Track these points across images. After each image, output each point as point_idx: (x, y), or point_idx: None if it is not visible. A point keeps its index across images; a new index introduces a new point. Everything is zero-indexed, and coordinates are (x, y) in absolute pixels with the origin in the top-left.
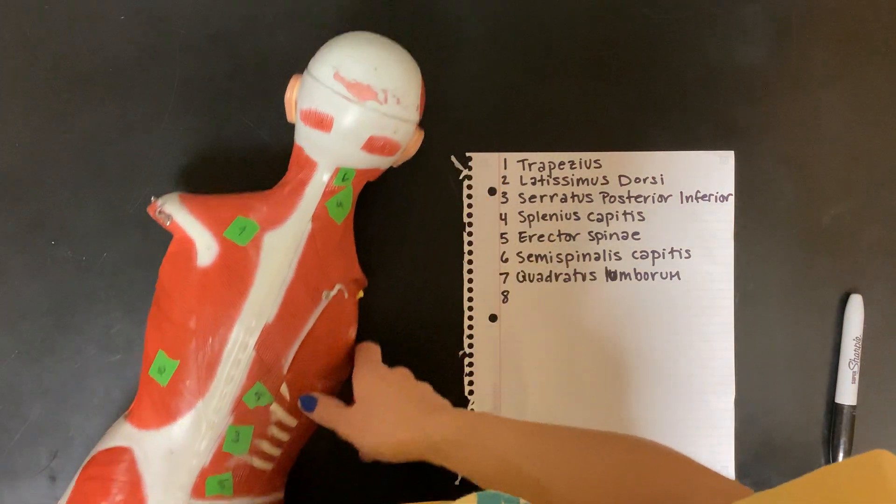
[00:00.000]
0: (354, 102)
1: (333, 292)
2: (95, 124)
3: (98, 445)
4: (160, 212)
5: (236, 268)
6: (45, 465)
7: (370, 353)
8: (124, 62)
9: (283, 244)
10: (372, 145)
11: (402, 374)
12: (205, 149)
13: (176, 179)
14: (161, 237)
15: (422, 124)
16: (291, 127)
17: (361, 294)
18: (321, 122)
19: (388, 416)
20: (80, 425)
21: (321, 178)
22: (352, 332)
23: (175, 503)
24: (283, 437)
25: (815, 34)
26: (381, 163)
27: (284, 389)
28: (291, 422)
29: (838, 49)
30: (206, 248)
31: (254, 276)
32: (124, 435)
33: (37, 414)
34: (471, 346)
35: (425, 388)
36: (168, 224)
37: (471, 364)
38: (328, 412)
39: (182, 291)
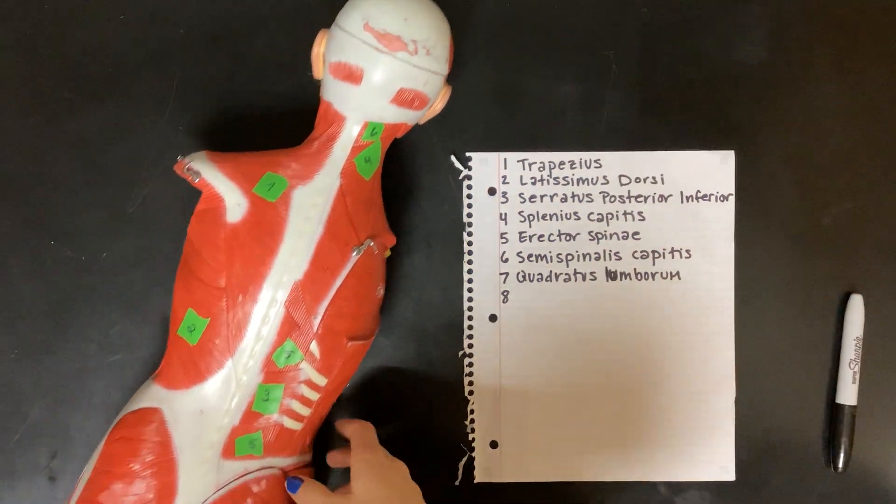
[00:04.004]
0: (385, 53)
1: (363, 248)
2: (95, 124)
3: (125, 408)
4: (188, 168)
5: (266, 224)
6: (45, 465)
7: (367, 437)
8: (124, 62)
9: (312, 200)
10: (402, 98)
11: (401, 473)
12: (204, 149)
13: (176, 179)
14: (162, 237)
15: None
16: (290, 126)
17: (388, 253)
18: (351, 75)
19: None
20: (80, 425)
21: (350, 133)
22: (380, 291)
23: (205, 463)
24: (313, 396)
25: (815, 34)
26: (410, 117)
27: (314, 347)
28: (321, 380)
29: (838, 49)
30: (235, 204)
31: (283, 232)
32: (152, 396)
33: (36, 414)
34: (471, 346)
35: (417, 494)
36: (196, 181)
37: (471, 364)
38: (313, 498)
39: (211, 249)
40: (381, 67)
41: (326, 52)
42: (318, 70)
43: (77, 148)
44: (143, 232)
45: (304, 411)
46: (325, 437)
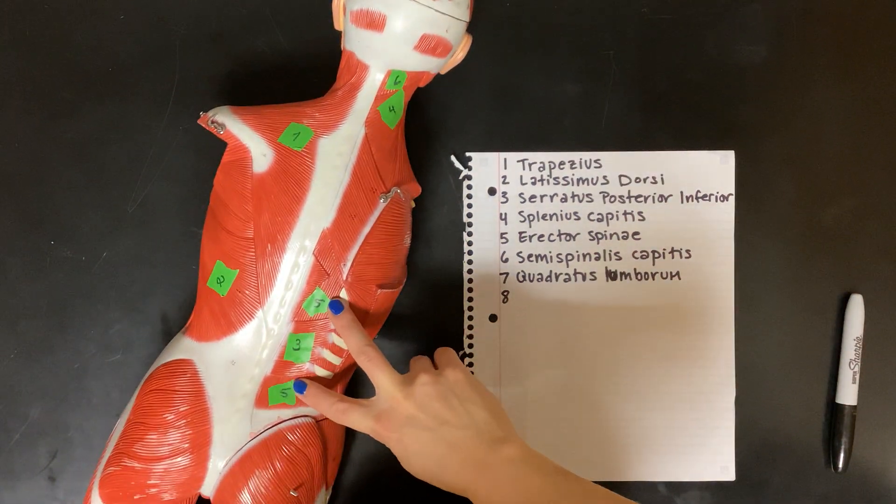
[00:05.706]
0: None
1: (390, 195)
2: (95, 124)
3: (156, 362)
4: (212, 122)
5: (293, 173)
6: (45, 465)
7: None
8: (124, 61)
9: (337, 149)
10: (424, 45)
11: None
12: (204, 149)
13: (176, 179)
14: (162, 237)
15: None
16: None
17: (413, 204)
18: (373, 22)
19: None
20: (80, 425)
21: (373, 82)
22: (407, 240)
23: (238, 412)
24: (344, 344)
25: (815, 34)
26: (432, 65)
27: (344, 295)
28: None
29: (838, 49)
30: (261, 154)
31: (310, 180)
32: (184, 348)
33: (36, 414)
34: (471, 346)
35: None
36: (221, 133)
37: (471, 364)
38: (321, 399)
39: (238, 200)
40: (403, 13)
41: (347, 0)
42: (339, 20)
43: (77, 148)
44: (143, 232)
45: (336, 360)
46: (356, 387)
